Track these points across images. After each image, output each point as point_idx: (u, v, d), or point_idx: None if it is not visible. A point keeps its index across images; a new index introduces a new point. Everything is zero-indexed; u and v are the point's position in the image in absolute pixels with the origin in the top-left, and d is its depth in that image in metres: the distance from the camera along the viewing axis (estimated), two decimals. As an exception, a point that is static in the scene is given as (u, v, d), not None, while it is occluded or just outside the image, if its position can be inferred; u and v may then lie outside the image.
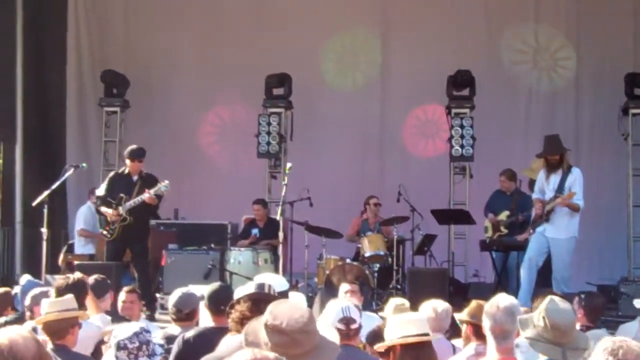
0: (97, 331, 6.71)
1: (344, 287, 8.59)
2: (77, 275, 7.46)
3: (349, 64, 17.15)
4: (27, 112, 15.93)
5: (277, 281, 6.10)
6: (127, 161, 12.21)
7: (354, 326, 5.57)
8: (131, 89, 16.44)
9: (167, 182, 11.84)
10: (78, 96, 17.31)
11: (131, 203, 11.80)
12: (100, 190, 12.38)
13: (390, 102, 17.12)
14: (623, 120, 14.95)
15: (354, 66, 17.15)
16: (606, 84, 15.85)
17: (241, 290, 5.31)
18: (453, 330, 7.01)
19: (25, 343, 3.76)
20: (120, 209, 11.86)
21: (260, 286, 5.20)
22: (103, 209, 12.13)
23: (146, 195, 11.71)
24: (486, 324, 5.36)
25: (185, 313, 7.18)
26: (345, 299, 7.98)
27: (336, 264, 12.99)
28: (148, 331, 4.80)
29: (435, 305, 6.56)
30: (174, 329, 7.04)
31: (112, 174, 12.63)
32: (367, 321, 6.37)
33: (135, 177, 12.09)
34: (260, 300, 4.94)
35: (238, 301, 5.05)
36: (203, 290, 6.98)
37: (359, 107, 16.90)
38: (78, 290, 7.04)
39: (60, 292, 6.84)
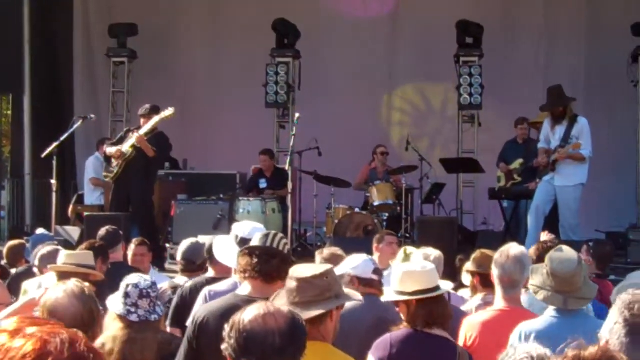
0: None
1: (389, 238, 8.62)
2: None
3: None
4: (34, 64, 15.88)
5: (252, 227, 6.06)
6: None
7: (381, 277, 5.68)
8: (138, 39, 16.39)
9: (171, 109, 11.77)
10: (85, 47, 17.30)
11: (133, 138, 11.76)
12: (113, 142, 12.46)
13: (398, 51, 17.04)
14: (632, 67, 14.87)
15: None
16: (616, 31, 15.71)
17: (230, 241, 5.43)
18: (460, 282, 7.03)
19: (67, 303, 3.80)
20: (123, 146, 11.85)
21: (263, 238, 5.11)
22: (109, 149, 12.12)
23: (141, 132, 11.69)
24: (495, 273, 5.39)
25: (198, 264, 7.23)
26: (391, 249, 8.21)
27: (345, 213, 13.03)
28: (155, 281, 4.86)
29: (426, 254, 6.56)
30: (180, 279, 7.07)
31: (125, 129, 12.66)
32: None
33: None
34: (255, 254, 4.85)
35: (243, 253, 5.03)
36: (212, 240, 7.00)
37: (367, 57, 16.81)
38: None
39: None
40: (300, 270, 4.13)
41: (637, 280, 6.21)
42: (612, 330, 2.87)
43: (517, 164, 13.49)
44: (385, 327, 4.97)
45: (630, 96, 15.08)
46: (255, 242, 4.93)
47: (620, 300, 3.14)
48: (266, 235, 4.92)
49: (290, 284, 4.07)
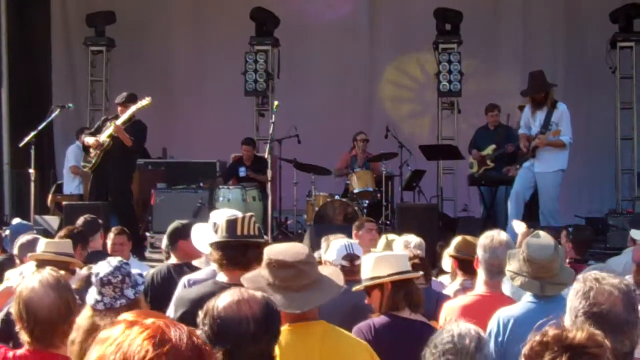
0: None
1: (369, 225, 8.60)
2: None
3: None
4: (12, 53, 15.74)
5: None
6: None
7: (358, 262, 5.61)
8: (116, 28, 16.30)
9: (148, 98, 11.76)
10: (63, 36, 17.19)
11: (110, 128, 11.77)
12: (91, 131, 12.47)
13: (378, 37, 17.03)
14: (611, 54, 14.92)
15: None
16: (595, 18, 15.76)
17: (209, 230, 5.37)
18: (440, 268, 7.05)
19: (43, 293, 3.77)
20: (100, 136, 11.85)
21: (231, 226, 4.85)
22: (86, 140, 12.11)
23: (119, 121, 11.70)
24: (483, 257, 5.32)
25: None
26: (370, 235, 8.19)
27: (325, 201, 13.03)
28: (127, 264, 4.78)
29: (407, 241, 6.56)
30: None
31: (103, 118, 12.67)
32: None
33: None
34: (229, 248, 4.78)
35: (215, 247, 4.91)
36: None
37: (346, 44, 16.78)
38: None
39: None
40: (290, 254, 3.95)
41: (615, 266, 6.21)
42: (575, 323, 2.82)
43: (489, 150, 13.51)
44: (361, 314, 4.96)
45: (609, 82, 15.12)
46: (222, 229, 4.80)
47: (575, 291, 3.05)
48: (234, 222, 4.76)
49: (288, 272, 3.89)
